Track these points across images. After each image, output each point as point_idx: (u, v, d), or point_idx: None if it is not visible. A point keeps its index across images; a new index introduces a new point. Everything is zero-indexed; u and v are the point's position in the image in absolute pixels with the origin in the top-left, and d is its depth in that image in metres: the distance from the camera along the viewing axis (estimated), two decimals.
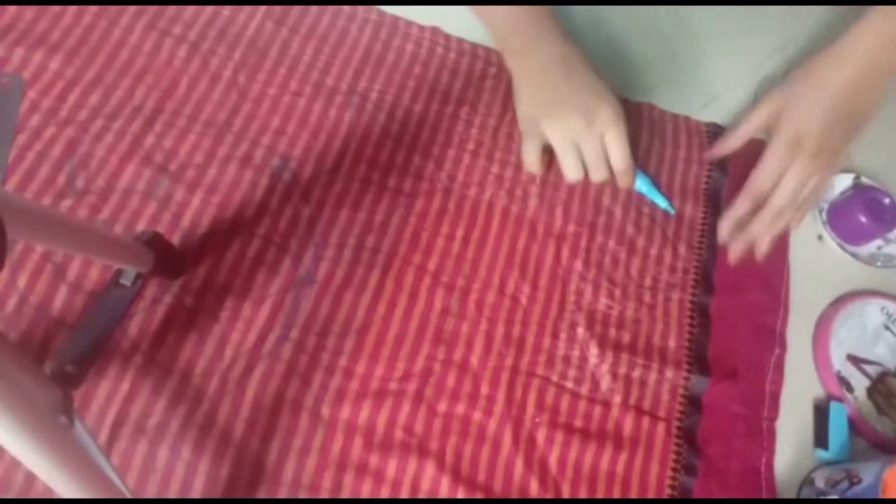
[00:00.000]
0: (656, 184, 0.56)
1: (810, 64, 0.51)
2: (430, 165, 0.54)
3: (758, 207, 0.52)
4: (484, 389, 0.47)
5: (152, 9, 0.55)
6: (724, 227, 0.53)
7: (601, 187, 0.56)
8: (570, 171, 0.52)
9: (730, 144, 0.55)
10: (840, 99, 0.48)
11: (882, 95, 0.49)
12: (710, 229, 0.56)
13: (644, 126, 0.60)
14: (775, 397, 0.51)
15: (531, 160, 0.53)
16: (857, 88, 0.48)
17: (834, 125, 0.48)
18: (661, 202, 0.56)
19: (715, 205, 0.57)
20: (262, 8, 0.57)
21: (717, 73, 0.63)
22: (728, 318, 0.53)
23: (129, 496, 0.37)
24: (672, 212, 0.56)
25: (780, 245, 0.57)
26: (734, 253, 0.53)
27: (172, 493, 0.41)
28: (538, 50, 0.52)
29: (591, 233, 0.54)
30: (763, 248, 0.53)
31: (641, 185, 0.55)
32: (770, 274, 0.56)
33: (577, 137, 0.50)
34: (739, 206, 0.52)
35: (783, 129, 0.50)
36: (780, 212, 0.51)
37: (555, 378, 0.48)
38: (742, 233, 0.52)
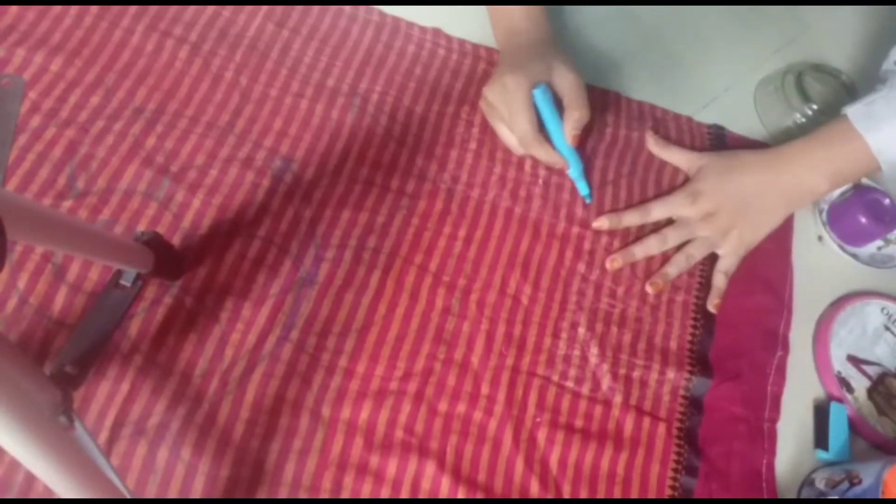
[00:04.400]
0: (586, 171, 0.54)
1: (742, 152, 0.56)
2: (433, 166, 0.54)
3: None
4: (485, 389, 0.47)
5: (153, 10, 0.55)
6: (604, 223, 0.53)
7: (603, 189, 0.56)
8: (510, 147, 0.54)
9: (652, 148, 0.58)
10: (748, 188, 0.54)
11: (788, 206, 0.54)
12: None
13: (646, 126, 0.60)
14: (776, 399, 0.51)
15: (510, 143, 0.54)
16: (766, 188, 0.54)
17: (731, 203, 0.53)
18: (583, 189, 0.54)
19: None
20: (263, 9, 0.57)
21: (717, 74, 0.64)
22: (731, 321, 0.53)
23: (129, 497, 0.37)
24: (588, 201, 0.55)
25: (784, 249, 0.57)
26: (609, 261, 0.52)
27: (172, 494, 0.41)
28: (516, 40, 0.54)
29: (595, 234, 0.54)
30: (651, 282, 0.52)
31: (573, 170, 0.53)
32: (774, 277, 0.56)
33: (500, 117, 0.53)
34: (627, 217, 0.54)
35: (692, 181, 0.56)
36: (664, 243, 0.53)
37: (555, 378, 0.48)
38: (626, 251, 0.53)
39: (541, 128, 0.51)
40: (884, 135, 0.49)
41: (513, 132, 0.52)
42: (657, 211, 0.54)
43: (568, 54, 0.53)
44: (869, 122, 0.49)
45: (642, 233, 0.55)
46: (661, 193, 0.57)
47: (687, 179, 0.57)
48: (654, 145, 0.58)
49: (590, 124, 0.53)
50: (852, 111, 0.50)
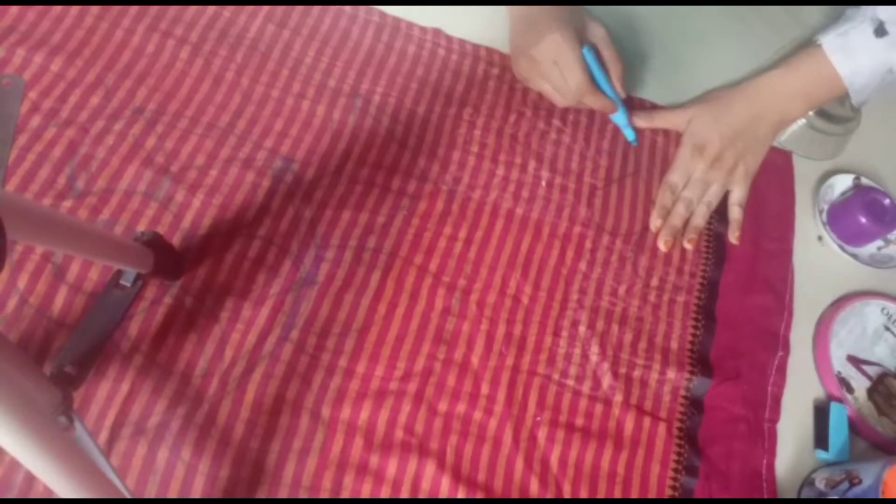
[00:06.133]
0: (629, 116, 0.58)
1: (722, 91, 0.60)
2: (435, 167, 0.54)
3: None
4: (485, 389, 0.47)
5: (153, 11, 0.55)
6: (654, 218, 0.56)
7: (608, 189, 0.56)
8: (555, 101, 0.56)
9: (639, 123, 0.60)
10: (738, 124, 0.57)
11: (775, 133, 0.59)
12: (717, 235, 0.56)
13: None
14: (777, 399, 0.51)
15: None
16: (754, 120, 0.57)
17: (730, 142, 0.57)
18: (629, 134, 0.58)
19: (720, 210, 0.57)
20: (264, 10, 0.57)
21: (716, 74, 0.64)
22: (732, 321, 0.53)
23: (129, 497, 0.37)
24: (634, 144, 0.58)
25: (784, 249, 0.57)
26: (661, 242, 0.55)
27: (172, 494, 0.41)
28: (536, 13, 0.55)
29: (597, 234, 0.54)
30: (687, 238, 0.55)
31: (621, 119, 0.57)
32: (774, 278, 0.56)
33: (542, 74, 0.54)
34: (660, 197, 0.57)
35: (689, 136, 0.58)
36: (690, 204, 0.56)
37: (556, 376, 0.48)
38: (667, 224, 0.56)
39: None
40: (856, 65, 0.54)
41: (567, 83, 0.53)
42: (675, 179, 0.57)
43: (590, 10, 0.57)
44: (843, 55, 0.54)
45: (643, 229, 0.55)
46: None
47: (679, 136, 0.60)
48: (638, 120, 0.59)
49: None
50: (826, 42, 0.54)
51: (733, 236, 0.56)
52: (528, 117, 0.57)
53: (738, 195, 0.57)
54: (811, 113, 0.61)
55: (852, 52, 0.53)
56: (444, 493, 0.43)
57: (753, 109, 0.57)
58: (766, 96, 0.57)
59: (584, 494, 0.45)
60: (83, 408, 0.42)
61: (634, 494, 0.46)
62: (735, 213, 0.57)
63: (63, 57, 0.51)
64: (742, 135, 0.57)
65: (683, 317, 0.52)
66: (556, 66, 0.53)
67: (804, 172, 0.62)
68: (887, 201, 0.57)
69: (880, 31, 0.52)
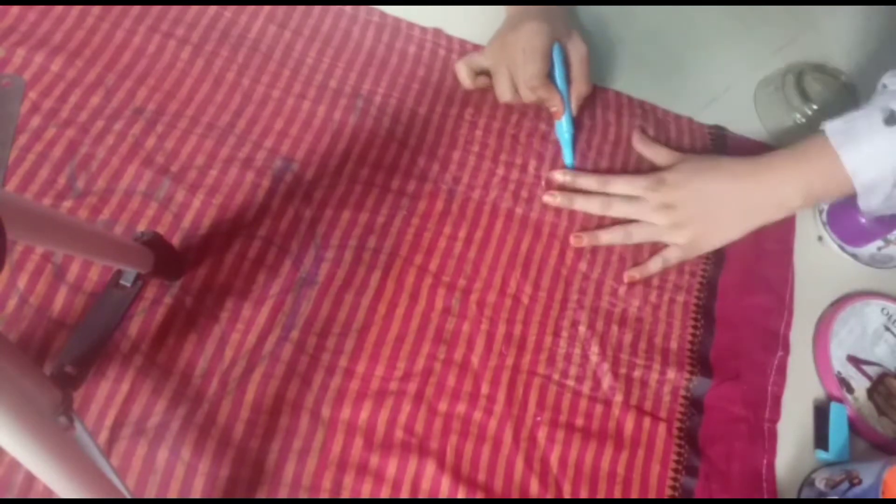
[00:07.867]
0: (574, 141, 0.56)
1: (725, 158, 0.55)
2: (435, 167, 0.54)
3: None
4: (485, 389, 0.47)
5: (155, 11, 0.55)
6: (557, 176, 0.54)
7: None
8: (499, 91, 0.54)
9: (636, 144, 0.58)
10: (708, 191, 0.52)
11: (752, 222, 0.52)
12: None
13: (648, 125, 0.60)
14: (777, 399, 0.51)
15: (461, 74, 0.56)
16: (725, 199, 0.52)
17: (688, 202, 0.52)
18: (568, 156, 0.56)
19: None
20: (265, 10, 0.57)
21: (717, 74, 0.64)
22: (732, 321, 0.53)
23: (129, 497, 0.37)
24: (570, 167, 0.56)
25: (785, 249, 0.57)
26: (577, 241, 0.52)
27: (172, 494, 0.41)
28: (532, 9, 0.55)
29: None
30: (628, 276, 0.52)
31: (564, 131, 0.55)
32: (774, 277, 0.56)
33: (507, 60, 0.53)
34: (584, 179, 0.54)
35: (663, 171, 0.54)
36: (629, 236, 0.53)
37: (556, 376, 0.48)
38: (593, 232, 0.53)
39: None
40: (861, 154, 0.46)
41: (524, 72, 0.51)
42: (617, 185, 0.54)
43: (581, 25, 0.56)
44: (845, 139, 0.47)
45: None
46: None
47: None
48: (637, 141, 0.58)
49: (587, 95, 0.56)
50: (830, 126, 0.48)
51: (628, 274, 0.52)
52: (530, 117, 0.57)
53: (671, 254, 0.52)
54: (810, 112, 0.61)
55: (856, 136, 0.46)
56: (444, 493, 0.43)
57: (736, 185, 0.52)
58: (756, 175, 0.51)
59: (584, 494, 0.45)
60: (83, 408, 0.42)
61: (634, 494, 0.46)
62: (654, 264, 0.52)
63: (63, 57, 0.51)
64: (708, 205, 0.52)
65: (683, 317, 0.52)
66: (522, 53, 0.51)
67: None
68: None
69: (891, 120, 0.46)
